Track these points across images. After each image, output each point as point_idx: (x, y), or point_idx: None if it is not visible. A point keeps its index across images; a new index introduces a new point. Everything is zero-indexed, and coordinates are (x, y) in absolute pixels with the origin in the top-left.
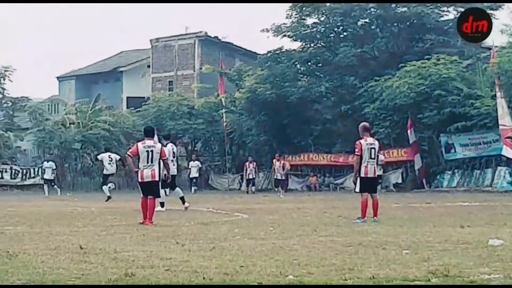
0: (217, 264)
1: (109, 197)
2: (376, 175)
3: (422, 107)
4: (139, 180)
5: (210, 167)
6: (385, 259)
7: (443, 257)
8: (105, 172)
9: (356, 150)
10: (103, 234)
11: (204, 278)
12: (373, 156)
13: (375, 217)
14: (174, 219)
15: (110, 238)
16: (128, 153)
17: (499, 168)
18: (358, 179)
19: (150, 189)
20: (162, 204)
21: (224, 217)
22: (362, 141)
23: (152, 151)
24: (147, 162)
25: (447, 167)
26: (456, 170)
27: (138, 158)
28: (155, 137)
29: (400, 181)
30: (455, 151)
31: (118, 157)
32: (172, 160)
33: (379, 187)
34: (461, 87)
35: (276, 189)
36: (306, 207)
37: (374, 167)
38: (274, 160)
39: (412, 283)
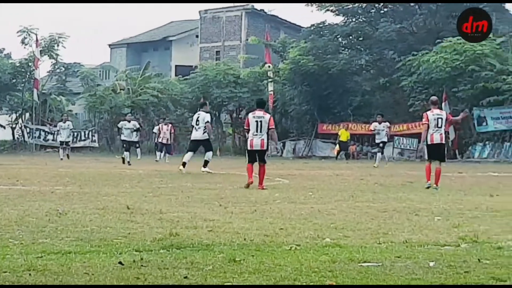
0: (258, 226)
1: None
2: (443, 142)
3: (457, 82)
4: (248, 147)
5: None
6: (418, 225)
7: (472, 223)
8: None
9: (423, 120)
10: (150, 196)
11: (245, 239)
12: (439, 125)
13: (436, 185)
14: (218, 182)
15: (156, 199)
16: (245, 127)
17: None
18: (425, 146)
19: (258, 157)
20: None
21: (265, 181)
22: (429, 112)
23: (261, 121)
24: (256, 131)
25: (478, 139)
26: (487, 142)
27: (249, 128)
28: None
29: None
30: (486, 124)
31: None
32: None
33: (380, 154)
34: (494, 63)
35: (158, 153)
36: (344, 174)
37: (441, 134)
38: (161, 125)
39: (442, 248)
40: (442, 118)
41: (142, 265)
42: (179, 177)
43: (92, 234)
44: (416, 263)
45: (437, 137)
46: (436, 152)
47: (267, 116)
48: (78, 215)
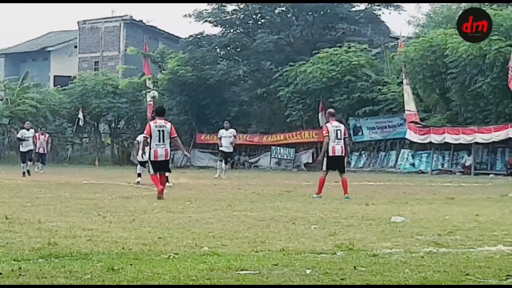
0: (136, 235)
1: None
2: (343, 154)
3: (333, 92)
4: (152, 158)
5: (132, 144)
6: (295, 233)
7: (348, 232)
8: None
9: (324, 132)
10: (28, 205)
11: (123, 248)
12: (339, 137)
13: (346, 194)
14: (96, 192)
15: (35, 209)
16: (144, 135)
17: (402, 150)
18: (325, 157)
19: (162, 167)
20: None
21: (144, 191)
22: (328, 124)
23: (163, 130)
24: (159, 141)
25: (354, 149)
26: (363, 152)
27: (151, 137)
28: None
29: (310, 161)
30: (362, 134)
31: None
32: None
33: (224, 164)
34: (370, 73)
35: (36, 163)
36: (222, 183)
37: (341, 146)
38: (38, 134)
39: (319, 256)
40: (341, 130)
41: (20, 275)
42: (57, 187)
43: None
44: (293, 270)
45: (338, 149)
46: (337, 164)
47: (169, 125)
48: None
